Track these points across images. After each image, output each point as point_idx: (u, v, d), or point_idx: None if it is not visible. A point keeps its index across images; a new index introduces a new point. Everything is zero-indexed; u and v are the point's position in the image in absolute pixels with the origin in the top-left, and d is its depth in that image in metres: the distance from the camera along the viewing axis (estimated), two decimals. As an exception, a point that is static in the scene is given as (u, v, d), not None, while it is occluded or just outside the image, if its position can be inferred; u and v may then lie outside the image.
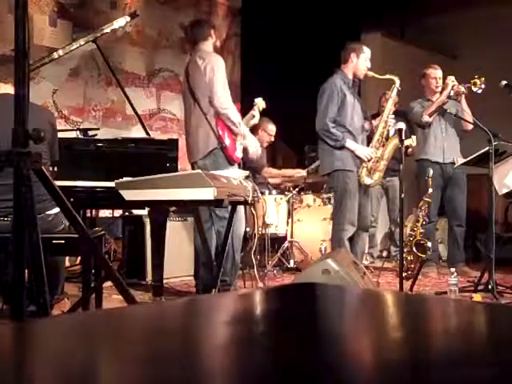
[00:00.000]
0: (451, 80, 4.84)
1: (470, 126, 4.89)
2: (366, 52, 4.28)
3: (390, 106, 4.31)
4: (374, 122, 4.42)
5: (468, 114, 4.83)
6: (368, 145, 4.30)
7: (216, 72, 3.59)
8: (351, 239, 4.24)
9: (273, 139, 5.81)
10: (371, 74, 4.31)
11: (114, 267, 3.13)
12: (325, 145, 4.23)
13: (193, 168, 3.76)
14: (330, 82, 4.22)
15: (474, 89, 4.66)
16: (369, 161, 4.18)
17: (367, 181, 4.20)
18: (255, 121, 4.24)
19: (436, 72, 5.06)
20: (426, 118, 4.92)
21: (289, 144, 6.46)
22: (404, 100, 5.59)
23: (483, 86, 4.62)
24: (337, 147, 4.15)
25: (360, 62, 4.24)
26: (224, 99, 3.60)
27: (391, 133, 5.52)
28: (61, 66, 5.34)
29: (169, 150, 3.82)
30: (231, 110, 3.62)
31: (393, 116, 4.32)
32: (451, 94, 4.85)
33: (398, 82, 4.28)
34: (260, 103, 4.27)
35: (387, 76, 4.32)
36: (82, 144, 3.86)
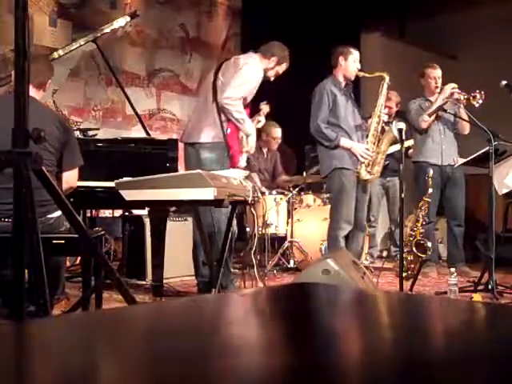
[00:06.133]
0: (451, 87, 4.81)
1: (467, 131, 4.92)
2: (355, 54, 4.35)
3: (381, 102, 4.34)
4: (369, 121, 4.45)
5: (466, 120, 4.82)
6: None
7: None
8: (347, 238, 4.28)
9: (279, 141, 5.93)
10: (362, 74, 4.37)
11: (113, 267, 3.12)
12: (322, 147, 4.31)
13: (185, 149, 3.82)
14: (320, 85, 4.34)
15: (473, 102, 4.65)
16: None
17: (367, 176, 4.24)
18: (260, 125, 4.30)
19: (435, 71, 5.03)
20: (425, 118, 4.92)
21: (289, 144, 6.45)
22: (404, 100, 5.59)
23: (480, 101, 4.60)
24: (332, 147, 4.22)
25: (349, 64, 4.31)
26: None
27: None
28: (61, 66, 5.33)
29: (169, 150, 3.83)
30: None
31: (386, 111, 4.37)
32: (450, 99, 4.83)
33: (387, 78, 4.32)
34: (265, 108, 4.32)
35: (377, 74, 4.37)
36: (82, 144, 3.85)
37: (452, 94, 4.77)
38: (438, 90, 4.98)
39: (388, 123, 5.37)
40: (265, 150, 5.97)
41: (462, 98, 4.74)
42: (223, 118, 3.69)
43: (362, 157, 4.20)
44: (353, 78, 4.39)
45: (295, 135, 5.96)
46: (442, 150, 4.99)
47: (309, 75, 4.98)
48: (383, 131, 4.44)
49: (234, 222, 3.84)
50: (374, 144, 4.28)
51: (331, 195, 4.47)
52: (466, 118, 4.79)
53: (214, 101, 3.71)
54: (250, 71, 3.75)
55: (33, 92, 2.85)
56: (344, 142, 4.20)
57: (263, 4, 6.63)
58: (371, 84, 4.58)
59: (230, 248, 3.80)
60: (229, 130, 3.70)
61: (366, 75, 4.39)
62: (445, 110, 4.79)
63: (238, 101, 3.64)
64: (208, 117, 3.73)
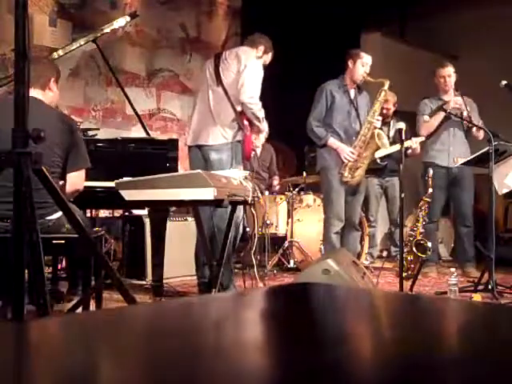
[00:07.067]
0: (454, 102, 4.84)
1: (481, 137, 4.85)
2: (364, 58, 4.40)
3: (375, 108, 4.35)
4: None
5: (467, 120, 4.82)
6: None
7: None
8: (342, 237, 4.35)
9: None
10: (367, 78, 4.43)
11: (113, 267, 3.12)
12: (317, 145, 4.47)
13: (191, 152, 3.80)
14: (322, 85, 4.45)
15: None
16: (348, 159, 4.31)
17: (348, 178, 4.32)
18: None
19: (443, 70, 5.04)
20: (426, 118, 4.91)
21: (288, 145, 6.46)
22: (404, 100, 5.59)
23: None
24: (321, 145, 4.38)
25: (356, 67, 4.38)
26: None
27: (391, 133, 5.55)
28: (61, 65, 5.32)
29: (169, 150, 3.83)
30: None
31: (380, 118, 4.39)
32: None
33: (387, 84, 4.35)
34: None
35: (379, 80, 4.42)
36: (82, 144, 3.85)
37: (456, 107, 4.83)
38: (448, 88, 4.99)
39: (386, 124, 5.38)
40: (258, 150, 5.92)
41: (465, 111, 4.82)
42: (234, 117, 3.68)
43: (346, 158, 4.28)
44: (359, 82, 4.44)
45: (295, 135, 5.97)
46: (450, 152, 5.00)
47: (309, 75, 4.98)
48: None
49: (241, 222, 3.84)
50: (361, 148, 4.31)
51: (323, 194, 4.59)
52: (471, 121, 4.80)
53: (229, 101, 3.68)
54: (258, 66, 3.74)
55: (39, 94, 2.84)
56: (332, 142, 4.32)
57: (263, 4, 6.63)
58: (372, 88, 4.58)
59: (234, 248, 3.79)
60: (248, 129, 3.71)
61: (371, 80, 4.42)
62: (445, 110, 4.78)
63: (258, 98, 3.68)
64: (215, 118, 3.70)
